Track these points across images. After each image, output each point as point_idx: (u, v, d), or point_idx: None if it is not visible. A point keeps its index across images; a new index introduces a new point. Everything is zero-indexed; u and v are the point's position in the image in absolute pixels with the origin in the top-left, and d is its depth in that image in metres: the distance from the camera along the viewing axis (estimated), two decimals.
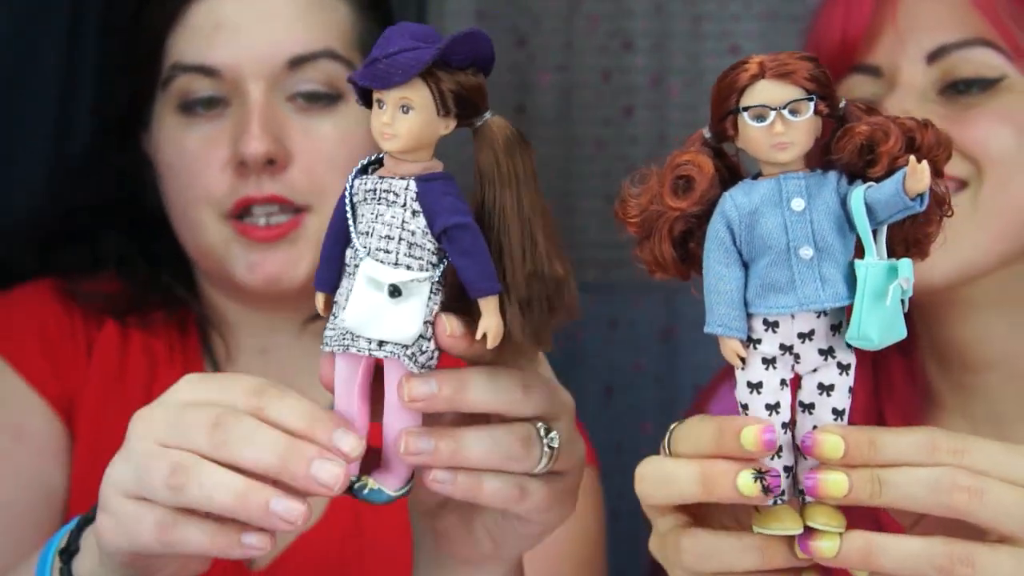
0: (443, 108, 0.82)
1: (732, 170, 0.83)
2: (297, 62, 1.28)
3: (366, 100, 0.83)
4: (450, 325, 0.83)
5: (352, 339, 0.83)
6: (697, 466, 0.81)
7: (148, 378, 1.34)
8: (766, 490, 0.79)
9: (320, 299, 0.86)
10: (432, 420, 0.87)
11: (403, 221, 0.82)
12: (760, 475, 0.79)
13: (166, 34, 1.30)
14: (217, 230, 1.29)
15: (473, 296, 0.83)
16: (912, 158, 0.77)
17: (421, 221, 0.82)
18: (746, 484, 0.79)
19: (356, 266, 0.83)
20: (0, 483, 1.27)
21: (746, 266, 0.80)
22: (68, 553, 0.94)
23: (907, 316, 0.80)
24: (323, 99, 1.29)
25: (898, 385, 1.30)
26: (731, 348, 0.80)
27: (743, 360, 0.81)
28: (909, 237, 0.81)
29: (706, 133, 0.82)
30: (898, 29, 1.22)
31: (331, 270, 0.85)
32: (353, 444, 0.84)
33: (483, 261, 0.82)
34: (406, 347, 0.83)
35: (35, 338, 1.33)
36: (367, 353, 0.83)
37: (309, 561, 1.30)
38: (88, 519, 0.93)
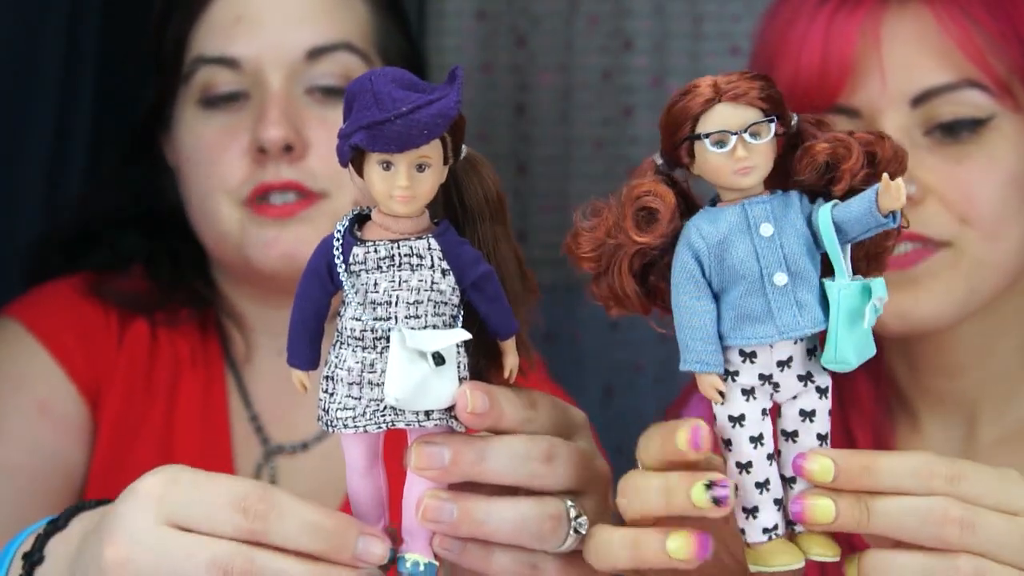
0: (447, 157, 0.78)
1: (686, 197, 0.80)
2: (315, 53, 1.30)
3: (353, 162, 0.77)
4: (473, 402, 0.79)
5: (396, 414, 0.78)
6: (661, 479, 0.79)
7: (172, 376, 1.37)
8: (715, 501, 0.76)
9: (303, 378, 0.80)
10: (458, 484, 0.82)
11: (432, 282, 0.78)
12: (710, 485, 0.76)
13: (189, 30, 1.32)
14: (234, 217, 1.30)
15: (503, 339, 0.81)
16: (885, 176, 0.75)
17: (451, 279, 0.78)
18: (698, 495, 0.76)
19: (376, 339, 0.78)
20: (19, 449, 1.30)
21: (716, 297, 0.78)
22: (31, 561, 0.89)
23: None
24: (340, 93, 1.30)
25: (863, 396, 1.30)
26: (710, 384, 0.78)
27: (722, 394, 0.78)
28: (870, 252, 0.80)
29: (658, 160, 0.80)
30: (883, 73, 1.19)
31: (310, 346, 0.80)
32: (382, 550, 0.79)
33: (505, 303, 0.80)
34: (449, 410, 0.79)
35: (70, 324, 1.35)
36: (416, 426, 0.79)
37: None
38: (56, 526, 0.89)
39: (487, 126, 1.90)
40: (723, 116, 0.76)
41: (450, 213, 0.82)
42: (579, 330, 1.91)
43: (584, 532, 0.82)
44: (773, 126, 0.76)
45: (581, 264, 0.81)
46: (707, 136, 0.76)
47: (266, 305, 1.37)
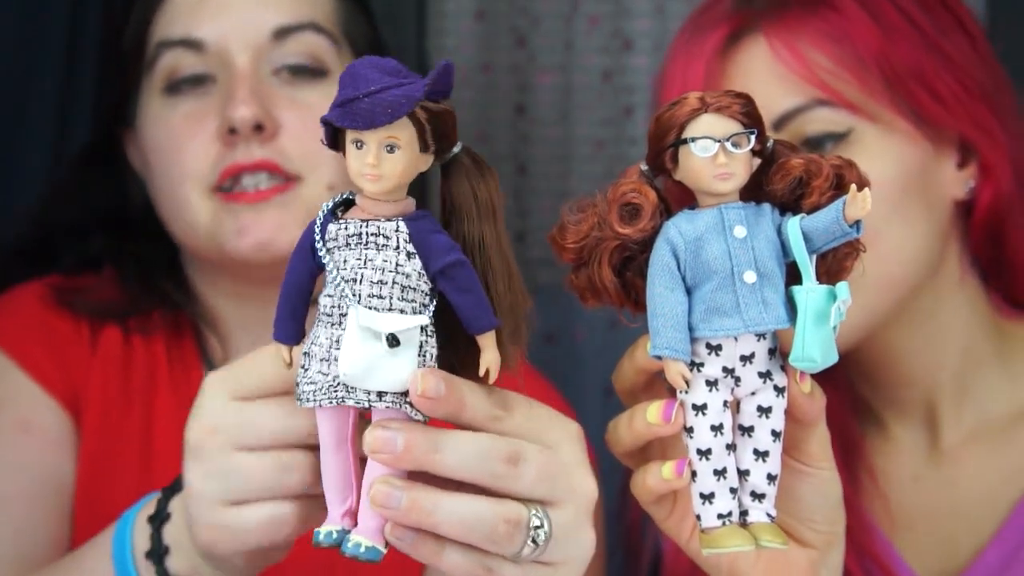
0: (426, 144, 0.79)
1: (665, 202, 0.86)
2: (282, 33, 1.28)
3: (333, 142, 0.80)
4: (424, 384, 0.79)
5: (348, 391, 0.79)
6: (626, 415, 0.88)
7: (149, 379, 1.34)
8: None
9: (285, 352, 0.82)
10: (420, 475, 0.81)
11: (397, 264, 0.79)
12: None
13: (152, 16, 1.30)
14: (204, 207, 1.26)
15: (475, 332, 0.81)
16: (853, 186, 0.81)
17: (417, 263, 0.79)
18: (652, 412, 0.85)
19: (342, 315, 0.79)
20: (8, 476, 1.27)
21: (689, 292, 0.83)
22: (158, 554, 0.93)
23: None
24: (308, 72, 1.29)
25: (829, 404, 1.34)
26: (677, 370, 0.83)
27: (687, 383, 0.83)
28: (831, 269, 0.85)
29: (643, 166, 0.85)
30: None
31: (295, 321, 0.82)
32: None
33: (481, 296, 0.80)
34: (405, 395, 0.79)
35: (39, 335, 1.33)
36: (366, 406, 0.79)
37: (313, 559, 1.30)
38: (163, 516, 0.94)
39: (487, 126, 1.90)
40: (708, 125, 0.82)
41: (442, 208, 0.84)
42: (579, 330, 1.92)
43: (542, 543, 0.82)
44: (753, 138, 0.82)
45: (563, 255, 0.86)
46: (693, 140, 0.81)
47: (243, 301, 1.34)
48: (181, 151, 1.27)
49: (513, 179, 1.91)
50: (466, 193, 0.82)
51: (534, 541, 0.82)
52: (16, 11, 1.56)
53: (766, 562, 0.92)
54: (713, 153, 0.81)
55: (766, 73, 1.24)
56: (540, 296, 1.90)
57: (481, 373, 0.81)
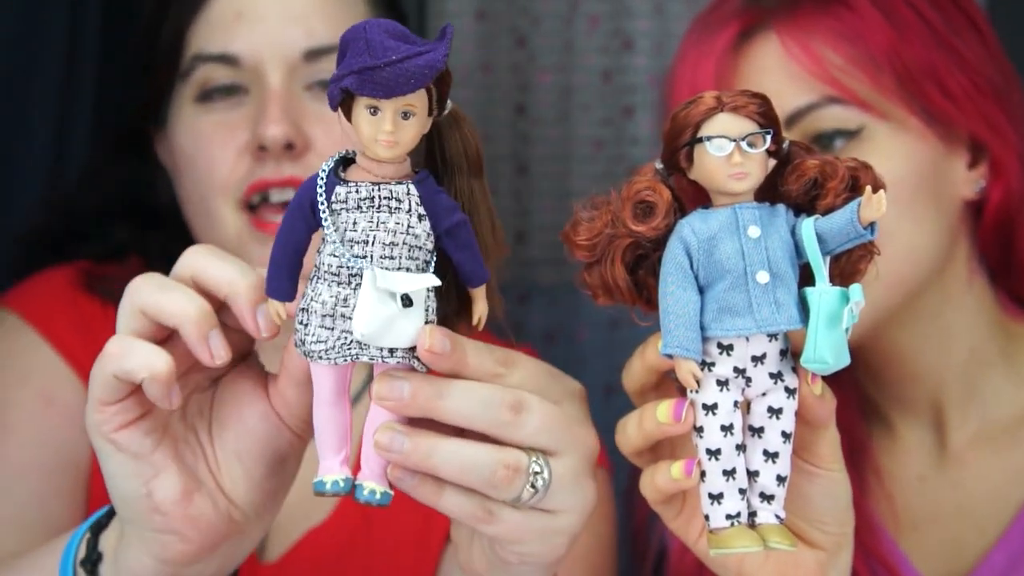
0: (432, 108, 0.82)
1: (680, 201, 0.86)
2: (314, 54, 1.30)
3: (342, 105, 0.82)
4: (431, 340, 0.82)
5: (361, 348, 0.82)
6: (636, 414, 0.88)
7: None
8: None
9: (281, 309, 0.84)
10: (424, 422, 0.85)
11: (408, 226, 0.82)
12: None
13: (187, 27, 1.32)
14: (231, 220, 1.29)
15: (473, 287, 0.84)
16: (868, 187, 0.81)
17: (426, 224, 0.82)
18: (663, 411, 0.85)
19: (352, 275, 0.81)
20: (27, 447, 1.29)
21: (701, 291, 0.83)
22: (99, 525, 0.94)
23: None
24: None
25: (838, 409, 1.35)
26: (688, 369, 0.83)
27: (698, 383, 0.83)
28: (844, 271, 0.85)
29: (658, 165, 0.85)
30: None
31: (289, 279, 0.84)
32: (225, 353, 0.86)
33: (476, 252, 0.84)
34: (413, 350, 0.82)
35: (67, 313, 1.35)
36: (379, 361, 0.82)
37: (318, 556, 1.31)
38: (102, 524, 0.94)
39: (487, 126, 1.90)
40: (724, 124, 0.82)
41: (431, 164, 0.86)
42: (579, 330, 1.91)
43: (541, 489, 0.84)
44: (768, 138, 0.82)
45: (576, 252, 0.87)
46: (708, 139, 0.82)
47: None
48: (210, 160, 1.29)
49: (513, 179, 1.91)
50: (458, 149, 0.85)
51: (533, 486, 0.84)
52: (16, 11, 1.55)
53: (774, 564, 0.92)
54: (728, 152, 0.81)
55: (778, 71, 1.24)
56: (540, 296, 1.91)
57: (475, 323, 0.85)
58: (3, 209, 1.54)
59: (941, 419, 1.32)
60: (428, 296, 0.82)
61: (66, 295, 1.36)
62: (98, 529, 0.95)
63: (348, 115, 0.82)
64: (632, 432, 0.89)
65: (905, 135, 1.23)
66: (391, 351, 0.82)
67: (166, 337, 0.88)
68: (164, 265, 1.34)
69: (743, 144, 0.82)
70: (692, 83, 1.26)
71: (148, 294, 0.87)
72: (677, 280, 0.83)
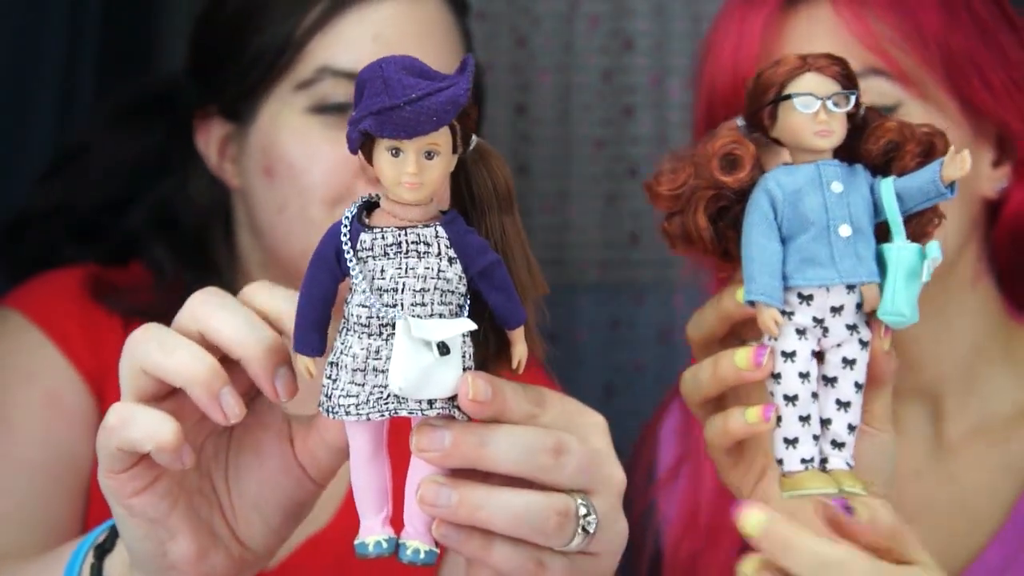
0: (457, 146, 0.78)
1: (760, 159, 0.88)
2: None
3: (362, 148, 0.78)
4: (475, 389, 0.78)
5: (400, 402, 0.78)
6: (710, 361, 0.89)
7: None
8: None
9: (310, 364, 0.80)
10: (462, 472, 0.81)
11: (439, 271, 0.77)
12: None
13: (310, 38, 1.30)
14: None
15: (511, 328, 0.80)
16: (952, 147, 0.84)
17: (457, 267, 0.78)
18: (742, 357, 0.87)
19: (383, 325, 0.77)
20: (30, 445, 1.29)
21: (783, 243, 0.85)
22: (103, 549, 0.92)
23: None
24: None
25: None
26: (770, 315, 0.85)
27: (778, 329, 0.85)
28: (914, 233, 0.86)
29: (739, 122, 0.88)
30: None
31: (318, 333, 0.79)
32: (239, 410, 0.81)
33: (513, 292, 0.80)
34: (452, 399, 0.78)
35: (74, 315, 1.35)
36: (418, 415, 0.78)
37: (318, 561, 1.31)
38: (107, 547, 0.92)
39: (487, 126, 1.89)
40: (810, 83, 0.84)
41: (459, 203, 0.82)
42: (579, 330, 1.92)
43: (592, 532, 0.81)
44: (853, 98, 0.85)
45: (658, 202, 0.88)
46: (796, 96, 0.84)
47: None
48: (326, 174, 1.28)
49: (513, 179, 1.91)
50: (486, 185, 0.81)
51: (584, 530, 0.81)
52: (16, 9, 1.56)
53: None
54: (815, 110, 0.84)
55: (823, 40, 1.22)
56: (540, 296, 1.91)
57: (514, 366, 0.81)
58: (3, 209, 1.55)
59: (939, 411, 1.32)
60: (464, 341, 0.78)
61: (72, 297, 1.36)
62: (102, 553, 0.92)
63: (369, 157, 0.78)
64: (706, 378, 0.90)
65: (940, 119, 1.21)
66: (430, 403, 0.77)
67: (173, 390, 0.83)
68: (173, 283, 1.35)
69: (828, 103, 0.84)
70: (736, 44, 1.25)
71: (150, 353, 0.82)
72: (762, 230, 0.84)
